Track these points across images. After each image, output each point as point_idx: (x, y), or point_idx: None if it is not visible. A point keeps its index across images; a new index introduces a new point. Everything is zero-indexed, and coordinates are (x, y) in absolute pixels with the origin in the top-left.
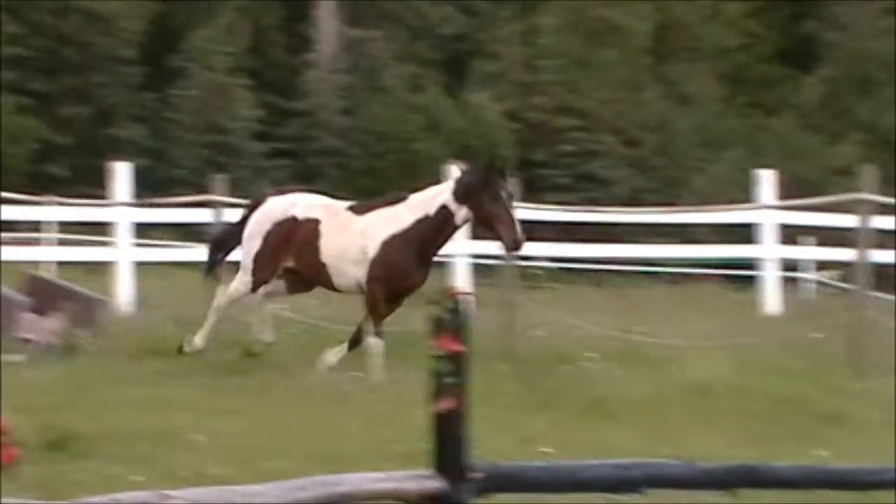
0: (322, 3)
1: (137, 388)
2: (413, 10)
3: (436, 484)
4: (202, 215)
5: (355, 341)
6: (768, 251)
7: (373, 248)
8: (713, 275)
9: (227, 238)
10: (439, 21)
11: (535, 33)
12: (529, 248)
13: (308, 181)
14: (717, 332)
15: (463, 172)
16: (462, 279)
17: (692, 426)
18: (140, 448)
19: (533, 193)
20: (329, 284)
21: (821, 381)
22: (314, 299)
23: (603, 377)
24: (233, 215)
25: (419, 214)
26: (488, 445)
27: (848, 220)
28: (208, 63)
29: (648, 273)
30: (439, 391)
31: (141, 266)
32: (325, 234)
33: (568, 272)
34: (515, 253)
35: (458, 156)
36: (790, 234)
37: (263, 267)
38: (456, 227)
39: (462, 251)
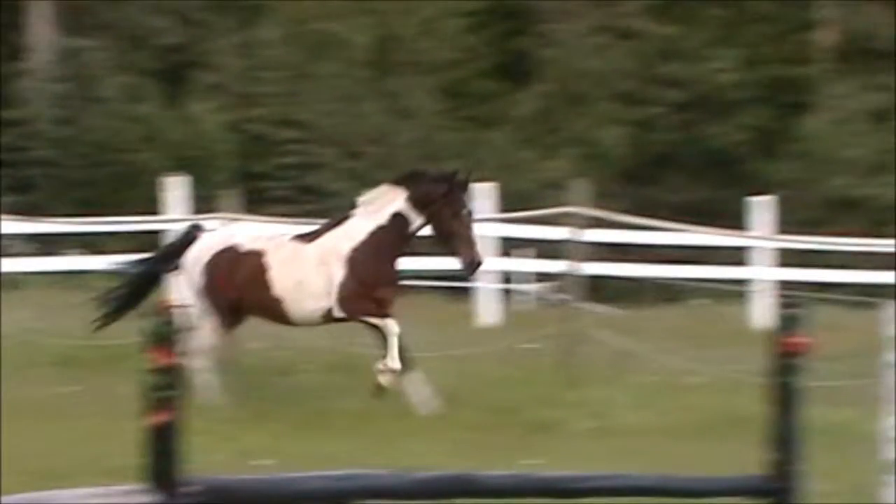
0: (35, 11)
1: None
2: (130, 19)
3: (149, 498)
4: None
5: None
6: (486, 262)
7: (338, 271)
8: (432, 286)
9: (151, 276)
10: (158, 31)
11: (255, 45)
12: None
13: (22, 192)
14: (435, 343)
15: (422, 179)
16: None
17: (408, 436)
18: None
19: (254, 205)
20: (283, 319)
21: (534, 391)
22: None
23: (321, 389)
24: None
25: (371, 226)
26: (205, 459)
27: (562, 233)
28: None
29: None
30: (154, 404)
31: None
32: (273, 266)
33: None
34: (472, 274)
35: (178, 167)
36: (507, 246)
37: (218, 303)
38: (412, 235)
39: None
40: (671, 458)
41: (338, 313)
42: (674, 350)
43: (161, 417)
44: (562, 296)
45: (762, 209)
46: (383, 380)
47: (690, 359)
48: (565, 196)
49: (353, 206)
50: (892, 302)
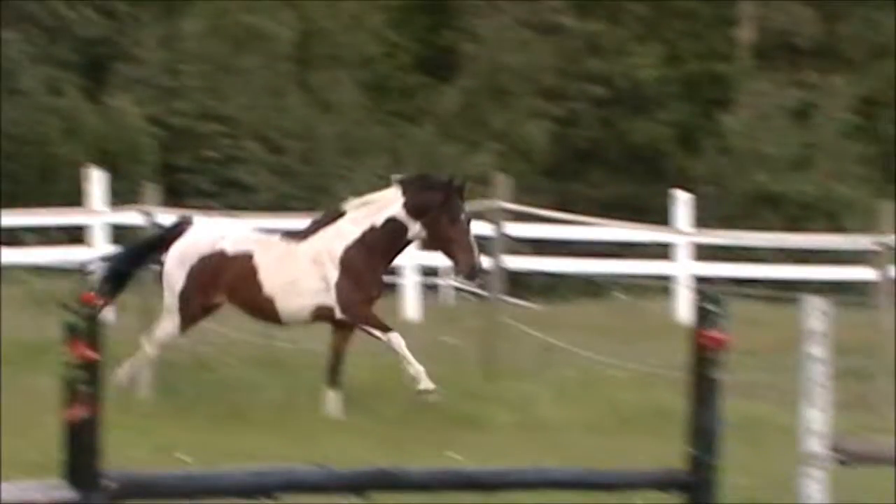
0: None
1: None
2: (50, 10)
3: (66, 494)
4: None
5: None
6: (409, 257)
7: (332, 271)
8: None
9: (131, 263)
10: (79, 23)
11: (177, 38)
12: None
13: None
14: (358, 338)
15: (419, 187)
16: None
17: (329, 431)
18: None
19: (176, 199)
20: (274, 318)
21: (456, 385)
22: None
23: (243, 383)
24: None
25: (365, 226)
26: (124, 454)
27: (483, 228)
28: None
29: None
30: (72, 399)
31: None
32: (263, 267)
33: None
34: (472, 279)
35: (99, 160)
36: None
37: (192, 306)
38: (408, 242)
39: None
40: (592, 453)
41: (340, 316)
42: (596, 345)
43: (80, 412)
44: (482, 290)
45: (683, 205)
46: (422, 385)
47: (612, 353)
48: (488, 191)
49: (342, 205)
50: (811, 297)
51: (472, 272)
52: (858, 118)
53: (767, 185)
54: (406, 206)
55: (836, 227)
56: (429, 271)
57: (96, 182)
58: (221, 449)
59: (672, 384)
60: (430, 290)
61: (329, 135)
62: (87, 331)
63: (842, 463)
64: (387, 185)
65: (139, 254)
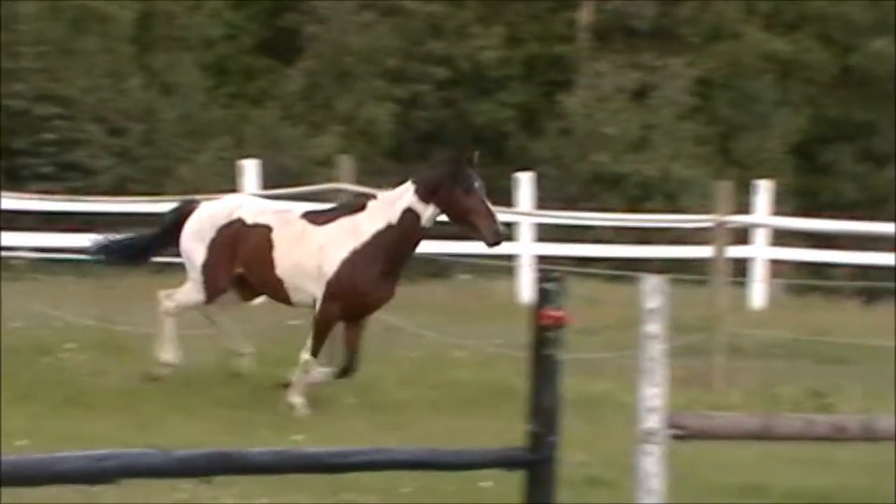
0: None
1: None
2: None
3: None
4: None
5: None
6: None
7: (330, 267)
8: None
9: (144, 249)
10: None
11: (14, 19)
12: (9, 239)
13: None
14: (200, 321)
15: (425, 170)
16: None
17: (172, 415)
18: None
19: (15, 182)
20: (286, 300)
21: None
22: None
23: (83, 368)
24: None
25: (380, 224)
26: None
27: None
28: None
29: None
30: None
31: None
32: (278, 245)
33: (50, 262)
34: (496, 247)
35: None
36: None
37: (216, 277)
38: (423, 231)
39: None
40: (436, 433)
41: (315, 308)
42: (440, 325)
43: None
44: None
45: (525, 185)
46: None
47: (455, 334)
48: (332, 173)
49: (366, 197)
50: (649, 276)
51: (496, 238)
52: (695, 99)
53: (607, 165)
54: (417, 191)
55: (675, 207)
56: None
57: None
58: (61, 434)
59: (515, 363)
60: None
61: (170, 117)
62: None
63: (678, 438)
64: (230, 167)
65: (154, 242)
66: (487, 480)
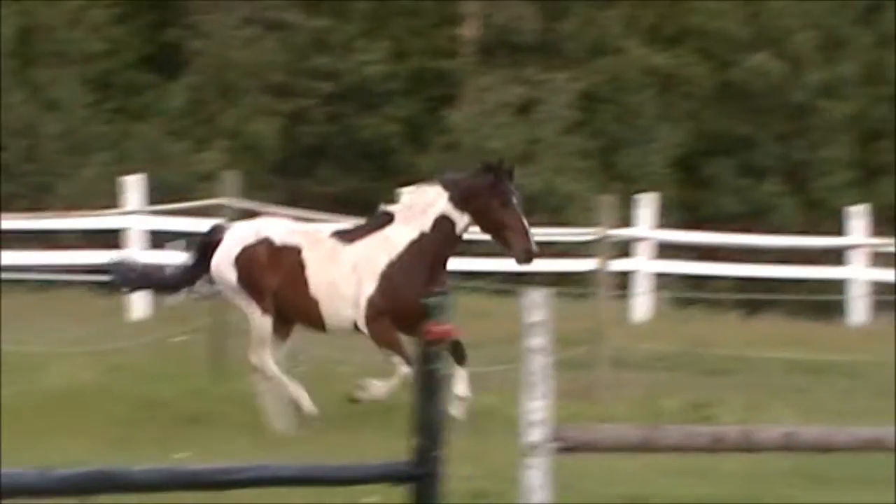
0: None
1: None
2: None
3: None
4: None
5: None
6: (135, 254)
7: (368, 285)
8: (80, 281)
9: (176, 281)
10: None
11: None
12: None
13: None
14: (83, 338)
15: (459, 175)
16: None
17: (54, 433)
18: None
19: None
20: (318, 324)
21: (184, 384)
22: None
23: None
24: None
25: (413, 233)
26: None
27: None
28: None
29: (11, 281)
30: None
31: None
32: (310, 264)
33: None
34: (528, 263)
35: None
36: (158, 240)
37: (255, 287)
38: (459, 238)
39: None
40: (322, 448)
41: (363, 328)
42: (323, 341)
43: None
44: (213, 288)
45: None
46: (360, 394)
47: (342, 348)
48: (216, 188)
49: (388, 208)
50: (532, 289)
51: (528, 256)
52: (579, 114)
53: None
54: (452, 198)
55: (559, 221)
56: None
57: None
58: None
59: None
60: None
61: (52, 133)
62: None
63: (562, 450)
64: (113, 183)
65: (186, 274)
66: (374, 495)
